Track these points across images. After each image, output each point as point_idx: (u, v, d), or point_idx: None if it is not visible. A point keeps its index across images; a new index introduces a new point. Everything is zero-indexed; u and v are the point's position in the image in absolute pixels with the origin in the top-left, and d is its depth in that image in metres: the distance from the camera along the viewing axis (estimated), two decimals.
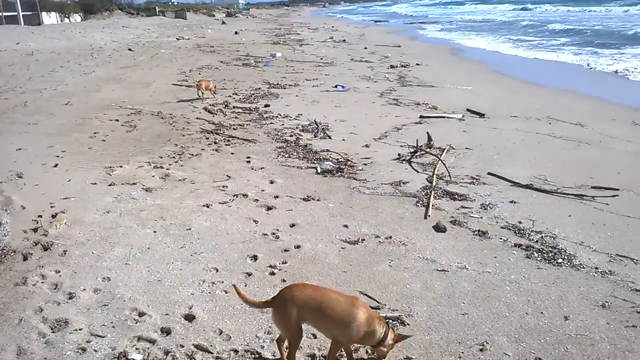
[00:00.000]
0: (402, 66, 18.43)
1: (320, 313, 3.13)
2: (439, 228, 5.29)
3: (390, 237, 5.09)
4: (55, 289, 4.19)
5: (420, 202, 5.97)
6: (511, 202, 5.93)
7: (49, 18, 49.29)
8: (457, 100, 11.93)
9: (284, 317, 3.14)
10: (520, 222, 5.37)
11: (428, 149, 7.94)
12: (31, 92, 12.77)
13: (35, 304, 3.98)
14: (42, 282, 4.28)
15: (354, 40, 30.82)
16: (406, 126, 9.68)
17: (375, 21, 61.50)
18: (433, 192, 6.22)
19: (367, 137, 8.83)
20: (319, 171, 7.09)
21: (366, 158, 7.69)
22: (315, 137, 8.96)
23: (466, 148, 8.12)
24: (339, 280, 4.33)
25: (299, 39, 32.55)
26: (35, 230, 5.17)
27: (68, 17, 53.44)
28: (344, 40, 30.14)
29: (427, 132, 8.46)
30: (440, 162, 7.21)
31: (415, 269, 4.50)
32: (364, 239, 5.05)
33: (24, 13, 45.78)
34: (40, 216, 5.44)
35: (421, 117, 10.35)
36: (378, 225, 5.39)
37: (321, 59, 21.24)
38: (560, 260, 4.60)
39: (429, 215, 5.60)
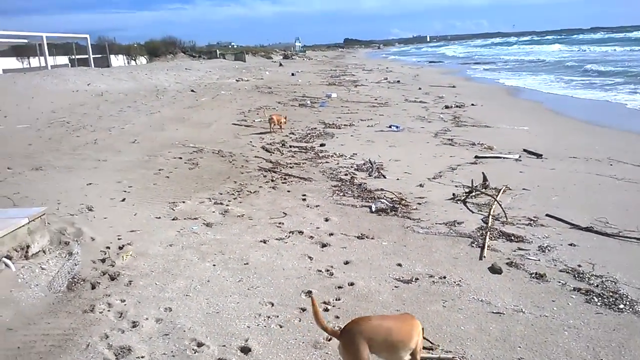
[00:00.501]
0: (457, 106, 18.43)
1: (389, 341, 3.29)
2: (494, 269, 5.23)
3: (445, 277, 5.08)
4: (120, 317, 4.41)
5: (476, 243, 5.93)
6: (570, 244, 5.80)
7: (117, 60, 52.26)
8: (513, 141, 11.81)
9: (354, 352, 3.23)
10: (579, 266, 5.24)
11: (483, 190, 7.89)
12: (101, 131, 13.56)
13: (101, 330, 4.19)
14: (108, 310, 4.52)
15: (408, 80, 31.07)
16: (461, 166, 9.66)
17: (430, 62, 61.79)
18: (489, 232, 6.17)
19: (421, 177, 8.87)
20: (373, 210, 7.17)
21: (420, 197, 7.72)
22: (370, 176, 9.07)
23: (523, 189, 8.01)
24: None
25: (353, 80, 33.10)
26: (103, 260, 5.48)
27: (134, 60, 56.51)
28: (398, 81, 30.43)
29: (483, 173, 8.42)
30: (496, 202, 7.15)
31: (469, 311, 4.46)
32: (417, 278, 5.06)
33: (94, 56, 48.78)
34: (108, 247, 5.75)
35: (476, 157, 10.31)
36: (432, 264, 5.39)
37: (376, 99, 21.52)
38: (621, 306, 4.45)
39: (485, 256, 5.55)
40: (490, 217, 6.71)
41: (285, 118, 13.30)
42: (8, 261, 5.12)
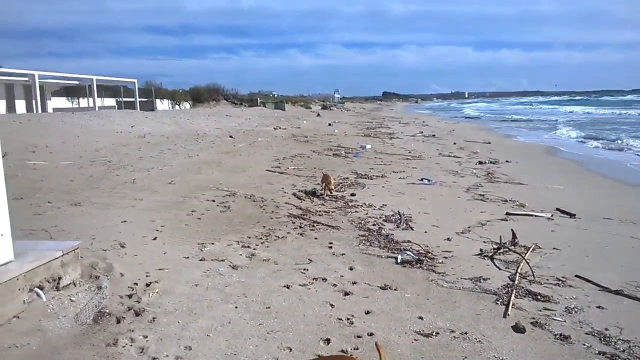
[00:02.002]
0: (491, 162, 18.37)
1: None
2: (518, 328, 5.14)
3: (466, 333, 5.02)
4: (141, 352, 4.50)
5: (500, 300, 5.84)
6: (598, 307, 5.66)
7: (162, 105, 54.24)
8: (547, 199, 11.67)
9: None
10: (606, 329, 5.11)
11: (512, 247, 7.80)
12: (140, 171, 14.02)
13: None
14: (131, 345, 4.62)
15: (443, 135, 31.18)
16: (491, 222, 9.58)
17: (466, 117, 61.96)
18: (515, 290, 6.08)
19: (449, 231, 8.84)
20: (399, 261, 7.17)
21: (447, 251, 7.68)
22: (398, 227, 9.08)
23: (553, 248, 7.88)
24: None
25: (389, 132, 33.43)
26: (130, 296, 5.62)
27: (178, 105, 58.52)
28: (433, 135, 30.57)
29: (512, 229, 8.34)
30: (524, 260, 7.06)
31: None
32: (438, 332, 5.01)
33: (140, 99, 50.80)
34: (136, 284, 5.90)
35: (507, 214, 10.22)
36: (454, 319, 5.33)
37: (410, 152, 21.65)
38: None
39: (509, 314, 5.47)
40: (518, 274, 6.62)
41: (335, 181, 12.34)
42: (40, 291, 5.31)
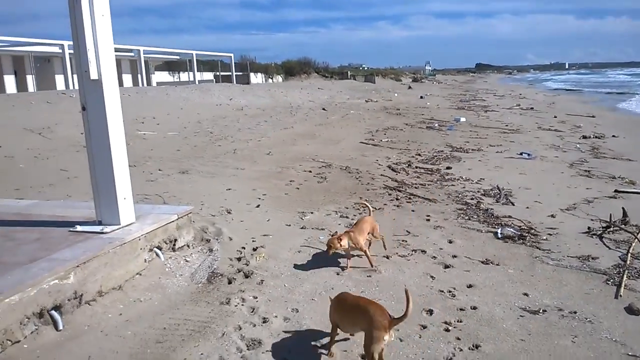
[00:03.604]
0: (596, 137, 17.30)
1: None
2: (632, 310, 4.91)
3: (575, 313, 4.86)
4: (252, 312, 4.78)
5: (611, 281, 5.58)
6: None
7: (256, 78, 55.55)
8: None
9: None
10: None
11: (623, 226, 7.39)
12: (239, 142, 14.60)
13: (235, 322, 4.57)
14: (242, 305, 4.91)
15: (542, 108, 29.66)
16: (598, 199, 9.09)
17: (567, 90, 58.26)
18: (627, 271, 5.79)
19: (553, 207, 8.50)
20: (500, 236, 7.02)
21: (551, 228, 7.41)
22: (497, 202, 8.86)
23: None
24: (516, 348, 4.25)
25: (484, 105, 32.28)
26: (239, 259, 5.95)
27: (271, 78, 59.66)
28: (531, 108, 29.17)
29: (623, 208, 7.88)
30: (637, 240, 6.67)
31: (601, 350, 4.24)
32: (545, 310, 4.89)
33: (236, 73, 52.29)
34: (244, 248, 6.23)
35: (616, 191, 9.64)
36: (561, 298, 5.17)
37: (506, 125, 20.85)
38: None
39: (621, 295, 5.22)
40: (630, 255, 6.29)
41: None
42: (159, 251, 5.76)
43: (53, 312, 4.26)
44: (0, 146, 13.12)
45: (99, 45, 5.32)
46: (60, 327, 4.25)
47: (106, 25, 5.41)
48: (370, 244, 6.18)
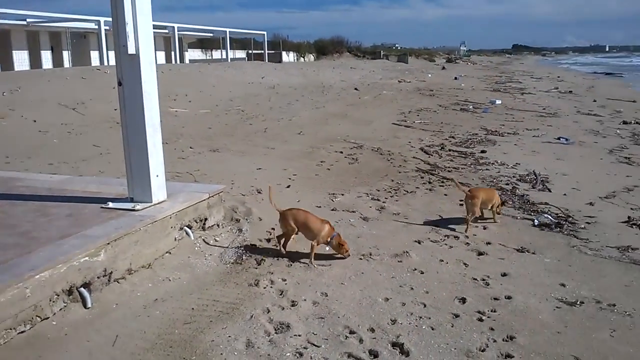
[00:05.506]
0: (637, 123, 16.67)
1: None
2: None
3: (614, 305, 4.67)
4: (281, 294, 4.72)
5: None
6: None
7: (288, 57, 55.30)
8: None
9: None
10: None
11: None
12: (271, 120, 14.54)
13: (264, 304, 4.52)
14: (271, 287, 4.86)
15: (581, 92, 28.77)
16: (638, 188, 8.75)
17: (607, 73, 56.28)
18: None
19: (591, 195, 8.21)
20: (536, 223, 6.80)
21: (590, 217, 7.15)
22: (533, 188, 8.61)
23: None
24: (552, 340, 4.10)
25: (520, 88, 31.49)
26: (268, 240, 5.91)
27: (303, 57, 59.34)
28: (570, 91, 28.32)
29: None
30: None
31: None
32: (582, 302, 4.71)
33: (268, 52, 52.12)
34: (273, 229, 6.18)
35: None
36: (600, 289, 4.98)
37: (544, 109, 20.29)
38: None
39: None
40: None
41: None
42: (189, 230, 5.75)
43: (82, 289, 4.28)
44: (35, 121, 13.35)
45: (138, 19, 5.26)
46: (89, 305, 4.27)
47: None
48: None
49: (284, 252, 5.55)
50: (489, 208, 6.81)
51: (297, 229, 5.51)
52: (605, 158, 11.32)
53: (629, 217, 7.12)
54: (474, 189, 6.96)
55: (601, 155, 11.63)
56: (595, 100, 23.70)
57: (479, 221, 6.84)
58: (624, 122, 16.76)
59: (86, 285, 4.34)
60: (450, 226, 6.64)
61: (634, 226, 6.85)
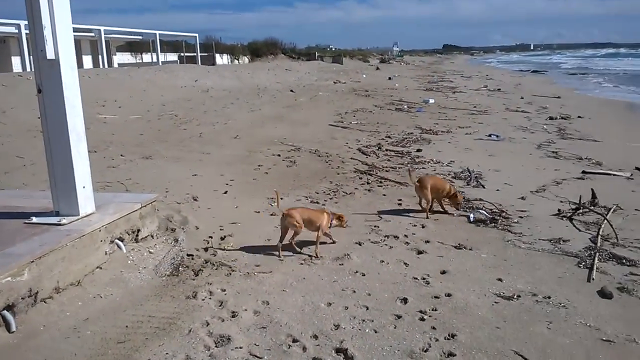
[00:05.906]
0: (562, 118, 17.51)
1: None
2: (604, 293, 4.89)
3: (549, 297, 4.81)
4: (220, 306, 4.56)
5: (583, 264, 5.57)
6: None
7: (221, 59, 54.53)
8: (625, 158, 11.00)
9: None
10: None
11: (592, 207, 7.41)
12: (205, 125, 14.22)
13: (203, 317, 4.36)
14: (210, 298, 4.69)
15: (509, 89, 29.96)
16: (566, 181, 9.15)
17: (533, 71, 59.05)
18: (598, 253, 5.79)
19: (523, 189, 8.50)
20: (472, 220, 6.96)
21: (522, 211, 7.39)
22: (468, 185, 8.82)
23: (635, 209, 7.44)
24: (492, 336, 4.16)
25: (452, 87, 32.42)
26: (206, 249, 5.72)
27: (237, 59, 58.70)
28: (498, 89, 29.42)
29: (592, 189, 7.91)
30: (606, 221, 6.69)
31: (576, 335, 4.19)
32: (519, 296, 4.83)
33: (201, 54, 51.17)
34: (211, 237, 6.00)
35: (584, 172, 9.72)
36: (535, 282, 5.12)
37: (475, 107, 20.95)
38: None
39: (593, 278, 5.21)
40: (600, 237, 6.30)
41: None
42: (120, 243, 5.48)
43: (5, 312, 3.97)
44: None
45: (56, 21, 4.95)
46: (13, 329, 3.97)
47: (63, 1, 5.04)
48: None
49: (281, 258, 5.65)
50: (443, 197, 7.20)
51: (303, 225, 5.74)
52: (534, 153, 11.78)
53: (559, 210, 7.39)
54: (422, 177, 7.26)
55: (530, 150, 12.09)
56: (522, 97, 24.71)
57: (419, 215, 6.93)
58: (550, 118, 17.54)
59: (9, 307, 4.03)
60: (390, 222, 6.69)
61: (563, 218, 7.12)
